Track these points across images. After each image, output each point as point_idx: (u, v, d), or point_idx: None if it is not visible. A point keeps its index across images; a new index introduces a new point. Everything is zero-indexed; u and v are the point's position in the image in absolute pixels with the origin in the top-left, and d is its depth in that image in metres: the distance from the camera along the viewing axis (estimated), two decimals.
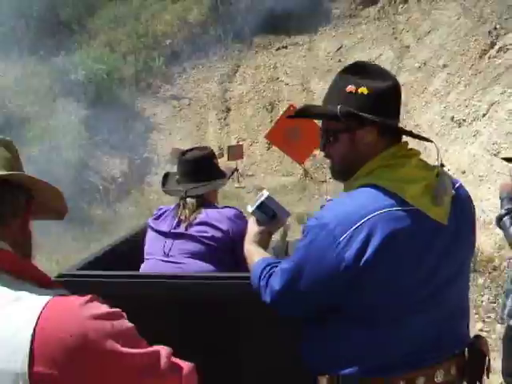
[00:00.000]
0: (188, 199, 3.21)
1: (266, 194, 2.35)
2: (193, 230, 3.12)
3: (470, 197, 2.22)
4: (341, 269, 1.87)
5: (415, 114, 13.22)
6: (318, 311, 2.05)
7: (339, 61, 17.63)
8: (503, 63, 12.18)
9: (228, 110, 16.55)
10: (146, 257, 3.23)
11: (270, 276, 2.08)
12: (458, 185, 2.14)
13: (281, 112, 14.24)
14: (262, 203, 2.30)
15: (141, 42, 19.75)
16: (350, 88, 2.01)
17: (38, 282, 1.42)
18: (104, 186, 12.34)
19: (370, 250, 1.85)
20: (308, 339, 2.12)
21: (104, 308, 1.40)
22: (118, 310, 1.43)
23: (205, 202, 3.27)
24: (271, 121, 14.84)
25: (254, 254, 2.23)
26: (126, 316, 1.45)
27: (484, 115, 10.46)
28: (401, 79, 15.18)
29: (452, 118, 11.50)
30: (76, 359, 1.27)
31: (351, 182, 2.07)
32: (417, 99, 14.03)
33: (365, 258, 1.85)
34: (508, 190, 4.10)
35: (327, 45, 18.34)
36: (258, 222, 2.32)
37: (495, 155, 9.26)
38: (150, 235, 3.29)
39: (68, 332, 1.28)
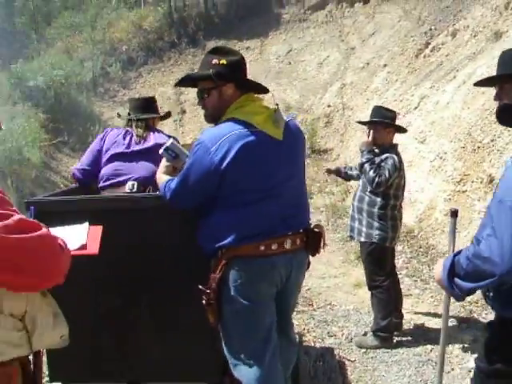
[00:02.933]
0: (139, 122, 4.25)
1: (170, 140, 3.21)
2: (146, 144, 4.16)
3: (298, 126, 3.22)
4: (212, 168, 2.83)
5: (357, 111, 13.98)
6: (202, 204, 2.95)
7: (289, 63, 18.33)
8: (435, 61, 13.05)
9: (183, 112, 17.16)
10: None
11: (171, 182, 3.01)
12: (290, 118, 3.10)
13: None
14: (167, 147, 3.13)
15: (98, 48, 20.28)
16: (215, 61, 2.97)
17: None
18: (65, 184, 12.88)
19: (230, 155, 2.82)
20: (199, 228, 2.98)
21: None
22: None
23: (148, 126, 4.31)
24: None
25: (162, 178, 3.11)
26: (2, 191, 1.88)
27: (415, 108, 11.32)
28: (347, 79, 16.03)
29: None
30: None
31: (220, 122, 2.98)
32: (359, 97, 14.80)
33: (227, 161, 2.82)
34: (367, 145, 5.14)
35: (277, 48, 19.03)
36: (166, 160, 3.19)
37: (421, 143, 10.13)
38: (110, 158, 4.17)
39: None
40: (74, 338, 2.27)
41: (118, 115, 4.96)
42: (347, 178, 5.85)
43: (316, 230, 3.14)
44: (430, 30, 14.68)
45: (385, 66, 15.09)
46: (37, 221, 1.96)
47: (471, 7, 13.85)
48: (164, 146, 3.15)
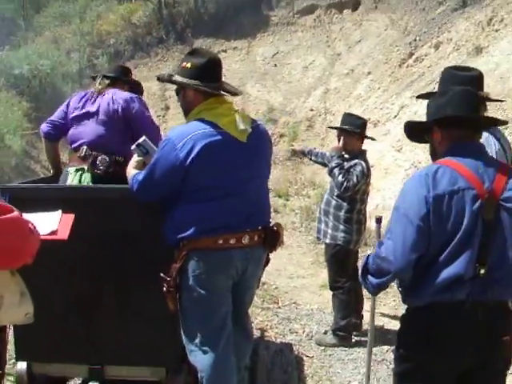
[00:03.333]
0: (104, 79, 4.34)
1: (143, 138, 3.38)
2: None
3: (266, 131, 3.44)
4: (177, 164, 3.03)
5: (339, 116, 14.09)
6: (167, 197, 3.12)
7: (275, 65, 18.44)
8: (417, 71, 13.30)
9: (167, 108, 17.22)
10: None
11: (138, 175, 3.18)
12: (258, 122, 3.33)
13: None
14: (139, 143, 3.32)
15: (85, 39, 20.28)
16: (184, 63, 3.21)
17: None
18: (44, 174, 12.95)
19: (194, 152, 3.02)
20: (165, 221, 3.15)
21: None
22: None
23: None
24: None
25: (131, 172, 3.29)
26: None
27: (395, 117, 11.55)
28: (331, 84, 16.22)
29: (369, 119, 12.54)
30: None
31: (187, 120, 3.23)
32: (342, 103, 14.99)
33: (191, 157, 3.02)
34: (337, 150, 5.35)
35: (264, 50, 19.10)
36: (137, 155, 3.36)
37: (398, 151, 10.37)
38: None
39: None
40: (41, 320, 2.43)
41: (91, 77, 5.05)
42: (311, 159, 6.16)
43: (274, 228, 3.34)
44: (415, 40, 14.91)
45: (369, 73, 15.30)
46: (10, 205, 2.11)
47: (456, 20, 14.12)
48: (136, 143, 3.35)
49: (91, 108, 4.17)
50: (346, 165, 5.24)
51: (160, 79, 3.45)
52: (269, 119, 14.82)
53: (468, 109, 2.63)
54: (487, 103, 3.52)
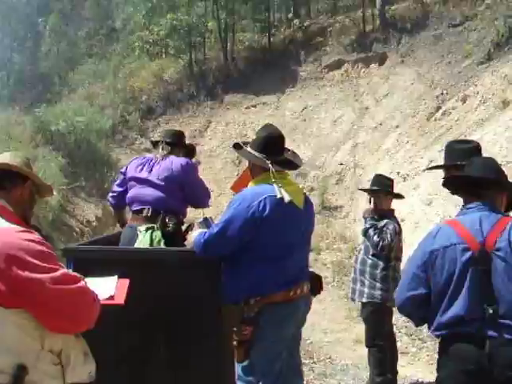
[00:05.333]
0: (166, 145, 4.65)
1: (203, 217, 3.79)
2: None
3: (311, 202, 3.84)
4: (250, 220, 3.36)
5: (369, 170, 14.29)
6: (235, 251, 3.43)
7: (304, 120, 18.73)
8: (445, 125, 13.47)
9: (198, 163, 17.55)
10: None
11: (206, 233, 3.48)
12: (307, 194, 3.74)
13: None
14: (206, 218, 3.75)
15: (118, 96, 20.84)
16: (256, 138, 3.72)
17: (15, 223, 2.34)
18: (80, 228, 13.26)
19: (267, 211, 3.37)
20: (224, 276, 3.47)
21: (31, 235, 2.26)
22: (40, 237, 2.28)
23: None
24: (238, 174, 15.82)
25: (195, 233, 3.65)
26: (45, 243, 2.28)
27: (424, 170, 11.68)
28: (359, 138, 16.42)
29: (398, 173, 12.70)
30: None
31: (254, 182, 3.61)
32: (371, 156, 15.18)
33: (264, 215, 3.36)
34: (369, 212, 5.64)
35: (293, 105, 19.41)
36: (200, 228, 3.70)
37: (428, 205, 10.47)
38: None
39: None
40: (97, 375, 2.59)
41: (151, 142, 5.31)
42: None
43: (315, 275, 3.86)
44: (442, 94, 15.13)
45: (397, 127, 15.49)
46: (77, 274, 2.35)
47: (481, 74, 14.33)
48: (203, 217, 3.75)
49: (151, 172, 4.48)
50: (379, 225, 5.41)
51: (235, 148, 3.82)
52: (298, 173, 15.00)
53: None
54: None
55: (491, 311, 2.87)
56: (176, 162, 4.51)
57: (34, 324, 2.20)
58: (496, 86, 13.13)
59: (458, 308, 2.93)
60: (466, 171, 3.30)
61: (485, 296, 2.90)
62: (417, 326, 3.64)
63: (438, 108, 14.54)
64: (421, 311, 3.14)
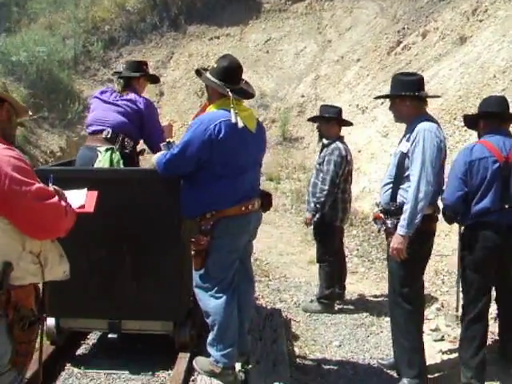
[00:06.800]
0: (120, 79, 4.96)
1: (167, 140, 4.07)
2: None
3: (264, 127, 4.25)
4: (206, 142, 3.69)
5: (329, 102, 14.54)
6: (192, 171, 3.75)
7: (267, 52, 18.77)
8: (404, 60, 13.72)
9: (161, 94, 17.54)
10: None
11: (168, 153, 3.80)
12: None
13: None
14: (169, 142, 3.98)
15: (80, 26, 20.49)
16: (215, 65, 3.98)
17: None
18: (44, 159, 13.36)
19: (222, 134, 3.71)
20: (183, 192, 3.81)
21: (12, 152, 2.53)
22: (20, 154, 2.55)
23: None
24: (200, 105, 15.87)
25: (158, 154, 3.98)
26: (24, 160, 2.56)
27: (382, 103, 11.99)
28: (321, 71, 16.63)
29: (357, 105, 13.00)
30: None
31: (213, 106, 3.92)
32: (332, 89, 15.42)
33: (219, 138, 3.70)
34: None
35: (256, 37, 19.38)
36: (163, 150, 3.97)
37: (384, 137, 10.85)
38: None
39: None
40: (68, 281, 2.93)
41: (114, 73, 5.68)
42: None
43: (266, 192, 4.30)
44: (403, 28, 15.27)
45: (358, 60, 15.68)
46: (52, 188, 2.69)
47: (442, 9, 14.52)
48: (167, 141, 4.00)
49: (113, 100, 4.76)
50: (325, 151, 5.80)
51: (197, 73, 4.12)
52: (260, 105, 15.24)
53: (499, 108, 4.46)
54: None
55: (507, 206, 4.21)
56: (141, 98, 4.81)
57: (16, 229, 2.51)
58: (455, 23, 13.35)
59: (486, 202, 4.22)
60: (483, 107, 4.48)
61: (505, 195, 4.23)
62: (450, 223, 4.59)
63: (399, 42, 14.74)
64: (462, 206, 4.28)
